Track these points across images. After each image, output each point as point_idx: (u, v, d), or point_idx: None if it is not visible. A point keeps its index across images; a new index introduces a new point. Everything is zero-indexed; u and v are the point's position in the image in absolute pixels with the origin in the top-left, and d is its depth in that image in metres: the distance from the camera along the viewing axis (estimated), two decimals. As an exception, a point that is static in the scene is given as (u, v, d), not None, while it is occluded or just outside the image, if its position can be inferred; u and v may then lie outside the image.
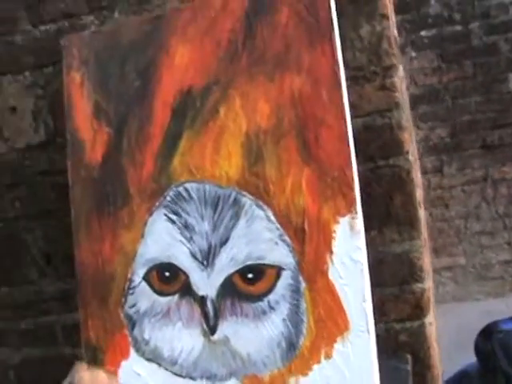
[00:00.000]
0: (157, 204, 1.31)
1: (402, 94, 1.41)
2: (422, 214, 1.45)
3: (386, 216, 1.41)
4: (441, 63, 3.33)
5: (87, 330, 1.37)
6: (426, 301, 1.47)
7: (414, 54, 3.28)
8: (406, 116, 1.40)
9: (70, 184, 1.39)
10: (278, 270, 1.25)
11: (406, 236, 1.43)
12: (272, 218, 1.25)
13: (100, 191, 1.36)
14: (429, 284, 1.49)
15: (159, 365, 1.33)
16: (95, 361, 1.35)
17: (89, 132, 1.38)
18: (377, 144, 1.37)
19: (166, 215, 1.30)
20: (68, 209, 1.41)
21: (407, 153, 1.39)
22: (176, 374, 1.32)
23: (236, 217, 1.26)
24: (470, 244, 3.37)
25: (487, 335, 1.96)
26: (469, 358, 2.16)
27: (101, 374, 1.11)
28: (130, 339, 1.34)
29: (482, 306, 3.29)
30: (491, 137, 3.29)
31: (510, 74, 3.32)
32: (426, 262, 1.48)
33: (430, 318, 1.50)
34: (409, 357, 1.47)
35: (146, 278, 1.33)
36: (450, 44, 3.35)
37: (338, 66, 1.23)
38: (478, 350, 1.98)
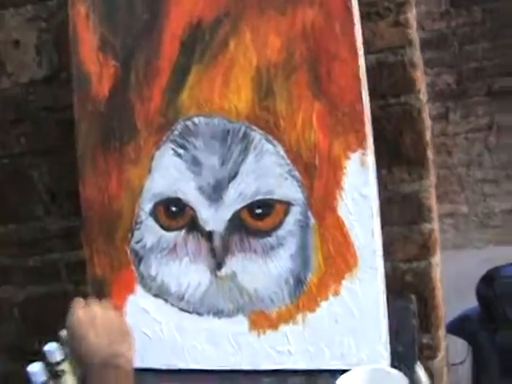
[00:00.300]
0: (164, 138, 1.29)
1: (415, 31, 1.37)
2: (431, 154, 1.43)
3: (396, 155, 1.40)
4: (449, 7, 3.27)
5: (93, 266, 1.37)
6: (433, 241, 1.47)
7: (421, -2, 3.22)
8: (418, 54, 1.37)
9: (76, 119, 1.37)
10: (287, 206, 1.24)
11: (416, 176, 1.41)
12: (282, 153, 1.23)
13: (106, 126, 1.34)
14: (436, 225, 1.48)
15: (166, 300, 1.33)
16: (101, 296, 1.35)
17: (95, 66, 1.35)
18: (388, 81, 1.35)
19: (173, 149, 1.28)
20: (73, 145, 1.39)
21: (419, 91, 1.36)
22: (183, 310, 1.32)
23: (245, 151, 1.24)
24: (472, 192, 3.36)
25: (489, 281, 1.97)
26: (468, 304, 2.18)
27: (97, 311, 1.09)
28: (136, 275, 1.34)
29: (482, 254, 3.31)
30: (497, 84, 3.25)
31: (519, 21, 3.27)
32: (434, 202, 1.47)
33: (436, 259, 1.50)
34: (413, 297, 1.47)
35: (152, 213, 1.32)
36: (459, -13, 3.29)
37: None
38: (480, 296, 1.99)
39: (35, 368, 1.23)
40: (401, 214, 1.44)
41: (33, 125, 1.63)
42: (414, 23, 1.36)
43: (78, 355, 1.01)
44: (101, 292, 1.36)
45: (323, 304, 1.24)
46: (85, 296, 1.28)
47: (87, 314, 1.02)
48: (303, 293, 1.24)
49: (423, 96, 1.39)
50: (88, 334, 0.98)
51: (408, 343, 1.29)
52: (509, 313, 1.74)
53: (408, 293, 1.47)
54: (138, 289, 1.34)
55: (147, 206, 1.32)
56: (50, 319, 1.41)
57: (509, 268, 1.98)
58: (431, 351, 1.50)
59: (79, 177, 1.37)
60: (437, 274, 1.50)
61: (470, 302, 2.19)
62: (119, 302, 1.34)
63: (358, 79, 1.20)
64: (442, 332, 1.54)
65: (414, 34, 1.37)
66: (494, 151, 3.40)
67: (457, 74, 3.25)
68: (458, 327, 2.02)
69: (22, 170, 1.66)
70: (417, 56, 1.36)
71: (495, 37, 3.24)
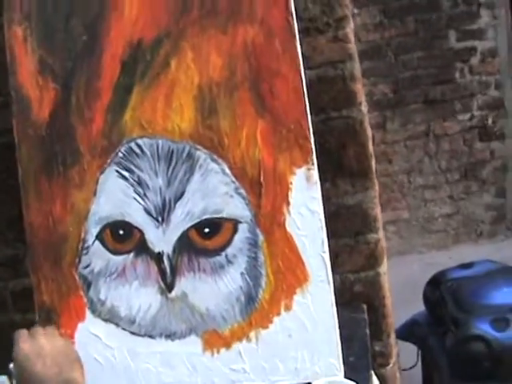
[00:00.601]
0: (108, 161, 1.27)
1: (354, 45, 1.40)
2: (374, 165, 1.45)
3: (339, 168, 1.42)
4: (383, 19, 3.34)
5: (41, 293, 1.33)
6: (380, 250, 1.49)
7: (356, 11, 3.27)
8: (358, 67, 1.39)
9: (16, 143, 1.34)
10: (235, 224, 1.24)
11: (360, 187, 1.44)
12: (227, 171, 1.23)
13: (49, 150, 1.31)
14: (382, 234, 1.51)
15: (117, 325, 1.30)
16: (50, 324, 1.32)
17: (34, 89, 1.33)
18: (329, 95, 1.37)
19: (118, 172, 1.27)
20: (12, 170, 1.36)
21: (360, 104, 1.39)
22: (134, 334, 1.30)
23: (190, 171, 1.24)
24: (413, 198, 3.43)
25: (436, 284, 2.01)
26: (415, 309, 2.22)
27: (43, 341, 1.06)
28: (85, 300, 1.31)
29: (425, 259, 3.38)
30: (433, 92, 3.33)
31: (451, 31, 3.36)
32: (379, 212, 1.49)
33: (384, 268, 1.53)
34: (364, 306, 1.49)
35: (99, 237, 1.29)
36: (392, 0, 3.35)
37: (291, 16, 1.21)
38: (427, 299, 2.03)
39: (-16, 402, 1.20)
40: (346, 226, 1.46)
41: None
42: (352, 37, 1.39)
43: None
44: (49, 320, 1.32)
45: (276, 320, 1.24)
46: (33, 325, 1.26)
47: (33, 345, 0.99)
48: (255, 310, 1.25)
49: (364, 108, 1.42)
50: (36, 366, 0.95)
51: (361, 353, 1.31)
52: (457, 315, 1.78)
53: (358, 303, 1.49)
54: (88, 315, 1.31)
55: (94, 230, 1.29)
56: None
57: (454, 271, 2.03)
58: (383, 359, 1.53)
59: (23, 202, 1.34)
60: (385, 282, 1.53)
61: (417, 307, 2.23)
62: (69, 330, 1.31)
63: (301, 95, 1.21)
64: (392, 339, 1.57)
65: (353, 47, 1.40)
66: (433, 157, 3.48)
67: (393, 83, 3.32)
68: (408, 332, 2.05)
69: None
70: (356, 69, 1.38)
71: (429, 46, 3.33)
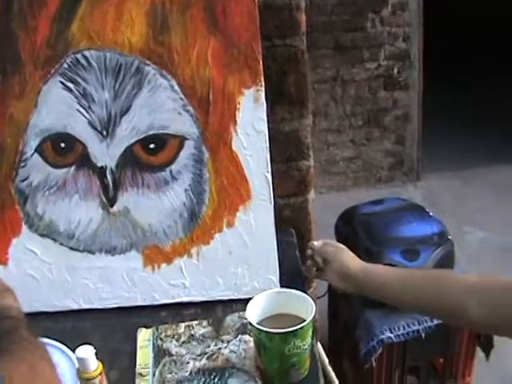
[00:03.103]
0: (52, 71, 1.24)
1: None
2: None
3: (279, 95, 1.44)
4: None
5: (-29, 207, 1.29)
6: (310, 177, 1.54)
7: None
8: (303, -2, 1.41)
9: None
10: (181, 140, 1.25)
11: (296, 114, 1.47)
12: (176, 87, 1.23)
13: (-14, 57, 1.26)
14: (312, 163, 1.56)
15: (54, 240, 1.29)
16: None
17: (-31, -9, 1.26)
18: (274, 23, 1.38)
19: (62, 83, 1.24)
20: None
21: (303, 34, 1.42)
22: (73, 249, 1.29)
23: (138, 86, 1.23)
24: (317, 140, 3.50)
25: (348, 218, 2.10)
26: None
27: None
28: (21, 215, 1.29)
29: (325, 199, 3.48)
30: (344, 39, 3.40)
31: (366, -21, 3.42)
32: (310, 141, 1.54)
33: (312, 195, 1.58)
34: (293, 231, 1.55)
35: (39, 149, 1.26)
36: None
37: None
38: (339, 232, 2.11)
39: None
40: (280, 152, 1.49)
41: None
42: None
43: None
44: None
45: (217, 236, 1.27)
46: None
47: None
48: (198, 226, 1.27)
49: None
50: None
51: (293, 273, 1.36)
52: (369, 246, 1.87)
53: (287, 227, 1.54)
54: (24, 230, 1.29)
55: (33, 143, 1.26)
56: None
57: (365, 206, 2.12)
58: (307, 282, 1.58)
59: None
60: (313, 209, 1.58)
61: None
62: (2, 246, 1.29)
63: (254, 18, 1.22)
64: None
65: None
66: (339, 102, 3.57)
67: (307, 26, 3.33)
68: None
69: None
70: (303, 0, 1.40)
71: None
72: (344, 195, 3.64)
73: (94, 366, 1.00)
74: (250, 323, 1.04)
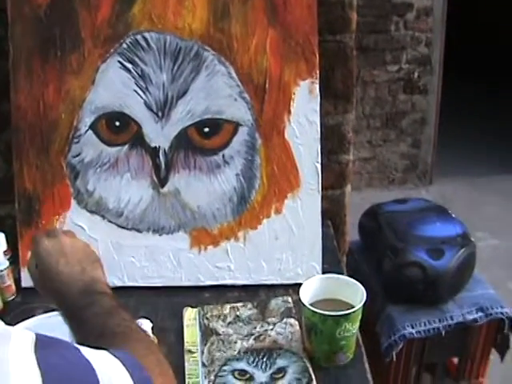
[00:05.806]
0: (111, 51, 1.26)
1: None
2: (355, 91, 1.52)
3: (325, 88, 1.46)
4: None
5: (23, 180, 1.30)
6: (349, 171, 1.57)
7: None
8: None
9: (9, 21, 1.29)
10: (236, 126, 1.27)
11: (341, 109, 1.50)
12: (233, 74, 1.26)
13: (46, 32, 1.27)
14: (352, 157, 1.58)
15: (103, 217, 1.31)
16: (30, 212, 1.31)
17: (34, -33, 1.28)
18: (326, 19, 1.40)
19: (120, 63, 1.26)
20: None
21: (353, 31, 1.44)
22: (121, 227, 1.31)
23: (196, 70, 1.25)
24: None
25: (373, 215, 2.12)
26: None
27: (65, 240, 0.95)
28: (71, 190, 1.31)
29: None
30: (367, 40, 3.42)
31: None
32: (353, 136, 1.56)
33: (349, 189, 1.61)
34: (329, 222, 1.57)
35: (93, 126, 1.28)
36: None
37: None
38: (363, 228, 2.13)
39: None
40: (322, 144, 1.51)
41: None
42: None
43: (49, 288, 0.94)
44: (30, 209, 1.31)
45: (265, 221, 1.29)
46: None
47: (55, 243, 0.95)
48: (246, 210, 1.29)
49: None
50: (59, 264, 0.92)
51: (333, 263, 1.39)
52: (394, 243, 1.89)
53: (324, 219, 1.56)
54: (73, 205, 1.31)
55: (88, 120, 1.28)
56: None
57: (390, 204, 2.14)
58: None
59: (11, 82, 1.29)
60: (349, 202, 1.61)
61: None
62: (50, 220, 1.31)
63: (313, 12, 1.25)
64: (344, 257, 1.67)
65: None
66: (359, 102, 3.58)
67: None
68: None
69: None
70: (356, -1, 1.43)
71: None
72: (357, 195, 3.66)
73: (151, 339, 1.02)
74: (304, 305, 1.06)
